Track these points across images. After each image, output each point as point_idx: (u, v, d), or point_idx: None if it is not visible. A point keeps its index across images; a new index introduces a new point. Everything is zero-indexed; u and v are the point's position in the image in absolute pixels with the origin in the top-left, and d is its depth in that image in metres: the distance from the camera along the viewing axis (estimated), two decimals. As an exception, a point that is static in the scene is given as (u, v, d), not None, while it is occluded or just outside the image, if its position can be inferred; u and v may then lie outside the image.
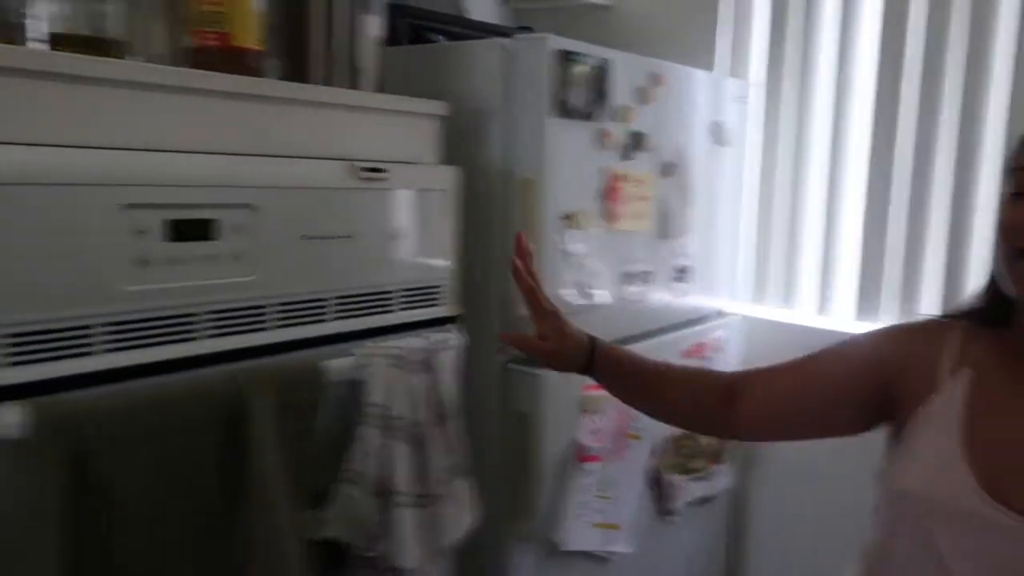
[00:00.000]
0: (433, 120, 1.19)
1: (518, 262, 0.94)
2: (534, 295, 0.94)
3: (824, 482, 1.75)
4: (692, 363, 1.61)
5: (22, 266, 0.75)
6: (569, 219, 1.31)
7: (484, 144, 1.30)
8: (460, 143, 1.27)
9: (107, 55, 0.88)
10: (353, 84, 1.17)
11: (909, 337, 0.86)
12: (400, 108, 1.14)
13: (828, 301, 1.78)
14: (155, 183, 0.84)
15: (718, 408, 0.93)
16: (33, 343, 0.76)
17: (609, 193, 1.38)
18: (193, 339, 0.89)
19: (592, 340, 0.96)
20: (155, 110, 0.87)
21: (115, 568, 0.77)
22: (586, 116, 1.31)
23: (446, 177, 1.19)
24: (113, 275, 0.81)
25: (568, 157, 1.30)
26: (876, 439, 1.82)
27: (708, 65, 1.80)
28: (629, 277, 1.48)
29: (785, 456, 1.82)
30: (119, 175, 0.81)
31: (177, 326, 0.87)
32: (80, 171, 0.79)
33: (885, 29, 1.62)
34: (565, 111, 1.27)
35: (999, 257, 0.78)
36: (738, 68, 1.82)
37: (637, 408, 1.02)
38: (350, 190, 1.04)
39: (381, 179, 1.07)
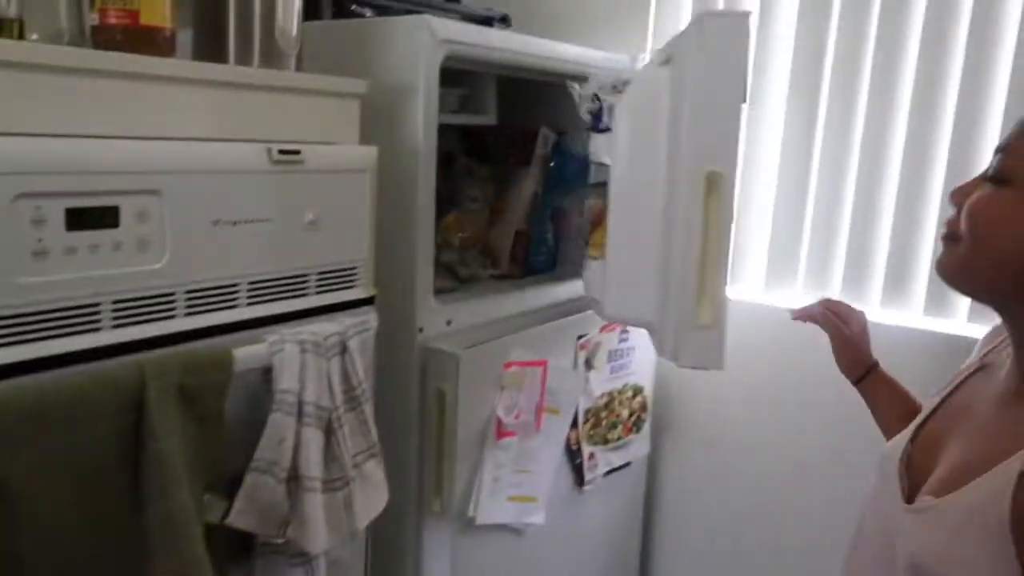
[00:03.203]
0: (353, 99, 1.17)
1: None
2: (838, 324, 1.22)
3: (732, 451, 1.83)
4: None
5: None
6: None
7: (406, 122, 1.29)
8: (383, 121, 1.25)
9: (1, 35, 0.85)
10: (270, 63, 1.14)
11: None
12: (318, 87, 1.12)
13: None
14: (52, 171, 0.82)
15: None
16: (-77, 337, 0.74)
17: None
18: (97, 330, 0.87)
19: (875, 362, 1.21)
20: (53, 93, 0.84)
21: (20, 565, 0.77)
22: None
23: (365, 157, 1.17)
24: (8, 268, 0.79)
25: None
26: (779, 409, 1.85)
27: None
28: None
29: (695, 421, 1.89)
30: (12, 163, 0.79)
31: (79, 317, 0.86)
32: (-30, 159, 0.76)
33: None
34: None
35: None
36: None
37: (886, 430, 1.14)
38: (264, 173, 1.03)
39: (296, 161, 1.06)
